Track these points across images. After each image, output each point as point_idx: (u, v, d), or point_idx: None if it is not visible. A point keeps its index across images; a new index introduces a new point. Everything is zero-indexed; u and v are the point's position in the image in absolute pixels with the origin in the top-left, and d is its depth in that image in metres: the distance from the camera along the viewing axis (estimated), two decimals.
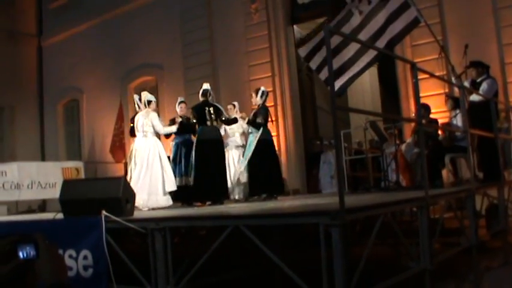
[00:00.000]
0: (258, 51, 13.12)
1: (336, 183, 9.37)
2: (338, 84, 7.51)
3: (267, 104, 8.58)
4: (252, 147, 7.96)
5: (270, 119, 8.34)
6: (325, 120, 13.54)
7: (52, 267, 1.67)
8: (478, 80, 7.70)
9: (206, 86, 7.99)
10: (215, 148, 7.64)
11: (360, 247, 4.41)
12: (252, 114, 8.28)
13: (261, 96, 8.22)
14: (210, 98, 7.88)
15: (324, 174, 12.12)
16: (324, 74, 7.89)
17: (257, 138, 7.94)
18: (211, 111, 7.68)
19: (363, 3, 7.66)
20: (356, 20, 7.72)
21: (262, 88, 8.45)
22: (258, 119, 7.99)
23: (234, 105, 9.12)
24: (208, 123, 7.68)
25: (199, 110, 7.76)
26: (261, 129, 7.99)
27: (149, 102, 7.65)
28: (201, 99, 7.89)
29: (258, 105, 8.26)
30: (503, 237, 6.79)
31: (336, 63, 7.42)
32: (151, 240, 4.42)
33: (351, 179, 11.51)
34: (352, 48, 7.49)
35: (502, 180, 7.18)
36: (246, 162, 8.00)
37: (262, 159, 7.92)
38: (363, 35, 7.60)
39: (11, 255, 1.66)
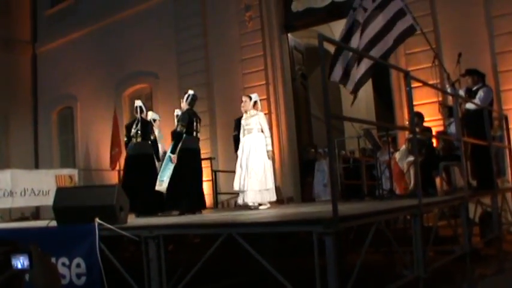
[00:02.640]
0: (252, 59, 13.14)
1: (329, 191, 9.35)
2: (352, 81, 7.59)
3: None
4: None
5: (196, 124, 7.64)
6: (320, 128, 13.54)
7: (45, 277, 1.67)
8: (474, 89, 7.68)
9: (137, 103, 8.20)
10: (141, 163, 7.82)
11: (353, 255, 4.43)
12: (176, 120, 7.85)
13: (187, 100, 7.68)
14: (138, 115, 8.05)
15: (317, 182, 12.13)
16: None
17: (179, 148, 7.38)
18: (139, 128, 7.91)
19: (365, 12, 7.64)
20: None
21: (190, 91, 7.82)
22: (178, 127, 7.50)
23: (251, 98, 7.77)
24: (134, 139, 7.91)
25: (129, 128, 8.08)
26: (183, 137, 7.42)
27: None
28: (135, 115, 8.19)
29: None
30: (497, 245, 6.81)
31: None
32: (145, 248, 4.40)
33: (345, 187, 11.53)
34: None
35: (495, 188, 7.20)
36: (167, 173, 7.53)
37: (183, 171, 7.36)
38: (362, 42, 7.60)
39: (5, 265, 1.66)
